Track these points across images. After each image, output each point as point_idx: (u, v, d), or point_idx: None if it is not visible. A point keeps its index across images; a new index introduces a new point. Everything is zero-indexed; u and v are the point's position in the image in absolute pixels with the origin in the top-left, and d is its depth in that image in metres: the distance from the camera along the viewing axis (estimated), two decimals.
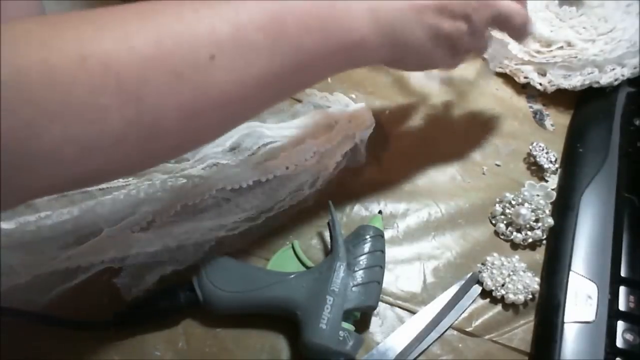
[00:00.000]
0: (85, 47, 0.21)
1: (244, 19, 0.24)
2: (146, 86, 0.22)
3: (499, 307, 0.34)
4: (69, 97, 0.21)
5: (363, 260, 0.32)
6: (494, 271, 0.34)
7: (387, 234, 0.36)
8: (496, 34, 0.45)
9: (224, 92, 0.25)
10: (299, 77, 0.28)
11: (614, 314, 0.32)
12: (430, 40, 0.31)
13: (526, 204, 0.37)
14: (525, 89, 0.44)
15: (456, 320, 0.33)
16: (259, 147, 0.37)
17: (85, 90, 0.21)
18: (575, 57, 0.42)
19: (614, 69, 0.42)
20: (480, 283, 0.34)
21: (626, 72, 0.41)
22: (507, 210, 0.37)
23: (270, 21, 0.25)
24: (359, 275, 0.31)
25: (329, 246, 0.35)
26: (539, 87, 0.43)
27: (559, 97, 0.43)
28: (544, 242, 0.36)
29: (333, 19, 0.27)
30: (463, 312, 0.34)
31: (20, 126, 0.20)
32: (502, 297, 0.34)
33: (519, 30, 0.36)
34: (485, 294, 0.34)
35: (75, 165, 0.22)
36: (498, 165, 0.40)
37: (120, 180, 0.35)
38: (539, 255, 0.36)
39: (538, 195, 0.37)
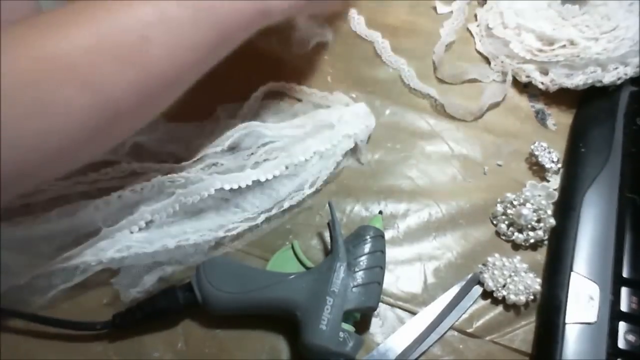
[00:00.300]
0: (47, 52, 0.25)
1: None
2: (98, 73, 0.26)
3: (500, 308, 0.34)
4: (39, 95, 0.24)
5: (363, 260, 0.32)
6: (495, 272, 0.34)
7: (388, 235, 0.36)
8: (498, 33, 0.46)
9: (162, 66, 0.28)
10: (225, 43, 0.31)
11: (615, 315, 0.32)
12: None
13: (528, 204, 0.36)
14: (527, 88, 0.44)
15: (457, 321, 0.33)
16: (258, 147, 0.37)
17: (51, 87, 0.25)
18: (578, 55, 0.42)
19: (616, 68, 0.41)
20: (481, 284, 0.34)
21: (629, 71, 0.41)
22: (509, 211, 0.37)
23: None
24: (359, 275, 0.31)
25: (329, 246, 0.35)
26: (541, 86, 0.43)
27: (561, 96, 0.43)
28: (546, 242, 0.36)
29: None
30: (464, 313, 0.34)
31: (11, 124, 0.23)
32: (503, 297, 0.33)
33: None
34: (486, 294, 0.34)
35: (57, 154, 0.26)
36: (499, 165, 0.40)
37: (118, 180, 0.35)
38: (541, 255, 0.36)
39: (540, 196, 0.37)
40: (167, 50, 0.28)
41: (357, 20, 0.48)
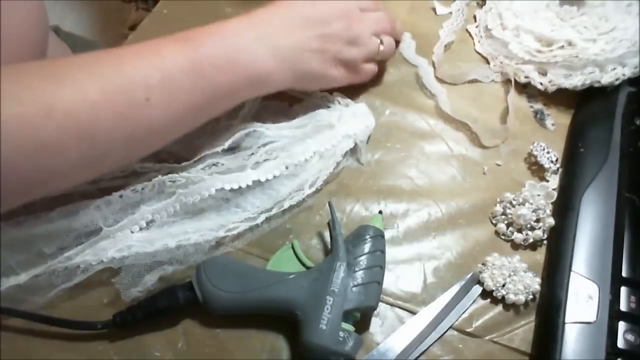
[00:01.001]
0: (49, 100, 0.26)
1: (170, 65, 0.30)
2: (98, 126, 0.28)
3: (499, 308, 0.34)
4: (41, 140, 0.26)
5: (363, 260, 0.32)
6: (495, 271, 0.34)
7: (387, 234, 0.36)
8: (497, 34, 0.46)
9: (157, 124, 0.31)
10: (216, 106, 0.34)
11: (615, 314, 0.32)
12: (324, 63, 0.37)
13: (527, 204, 0.37)
14: (525, 89, 0.44)
15: (457, 320, 0.33)
16: (259, 147, 0.37)
17: (53, 134, 0.26)
18: (576, 56, 0.42)
19: (614, 69, 0.42)
20: (480, 283, 0.34)
21: (627, 72, 0.41)
22: (508, 210, 0.37)
23: (191, 65, 0.31)
24: (359, 275, 0.31)
25: (329, 246, 0.35)
26: (539, 86, 0.43)
27: (559, 97, 0.43)
28: (545, 242, 0.36)
29: (241, 59, 0.33)
30: (463, 312, 0.34)
31: (5, 163, 0.25)
32: (503, 297, 0.34)
33: (395, 30, 0.43)
34: (486, 294, 0.34)
35: (45, 186, 0.29)
36: (499, 165, 0.40)
37: (119, 180, 0.35)
38: (540, 255, 0.36)
39: (539, 195, 0.37)
40: (163, 111, 0.30)
41: None
